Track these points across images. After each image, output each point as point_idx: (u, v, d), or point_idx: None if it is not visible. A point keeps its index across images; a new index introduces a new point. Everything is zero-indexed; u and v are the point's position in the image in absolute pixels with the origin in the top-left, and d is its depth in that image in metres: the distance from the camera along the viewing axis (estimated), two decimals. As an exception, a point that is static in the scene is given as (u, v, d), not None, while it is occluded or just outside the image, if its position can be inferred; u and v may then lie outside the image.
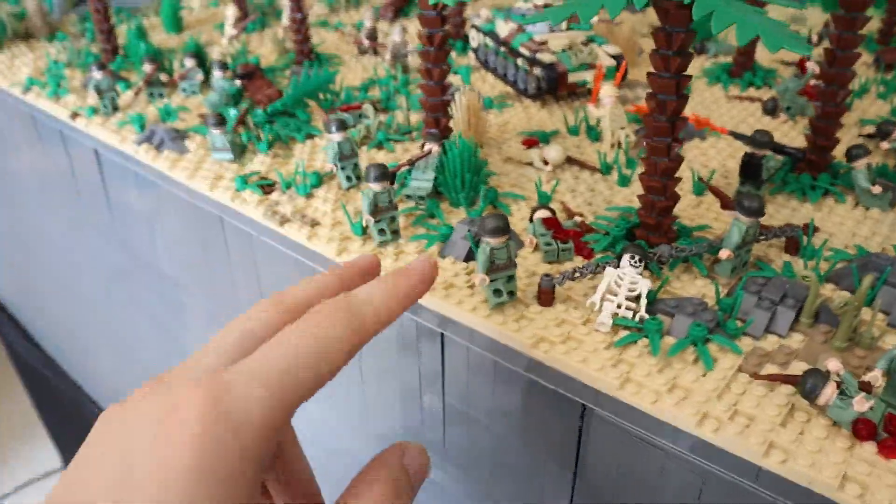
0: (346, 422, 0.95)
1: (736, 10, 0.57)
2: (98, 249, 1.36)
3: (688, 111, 1.04)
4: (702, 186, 0.83)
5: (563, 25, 1.10)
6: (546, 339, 0.60)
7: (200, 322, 1.18)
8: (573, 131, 0.99)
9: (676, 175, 0.69)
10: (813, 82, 1.03)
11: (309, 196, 0.84)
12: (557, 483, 0.68)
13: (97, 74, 1.08)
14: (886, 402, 0.52)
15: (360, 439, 0.94)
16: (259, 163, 0.92)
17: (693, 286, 0.67)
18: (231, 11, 1.41)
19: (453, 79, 1.17)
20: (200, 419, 0.28)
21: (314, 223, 0.78)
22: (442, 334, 0.69)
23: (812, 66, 1.09)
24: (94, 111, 1.09)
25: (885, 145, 0.91)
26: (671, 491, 0.57)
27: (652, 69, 0.65)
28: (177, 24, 1.46)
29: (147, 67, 1.14)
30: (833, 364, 0.52)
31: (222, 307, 1.07)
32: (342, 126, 0.82)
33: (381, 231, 0.73)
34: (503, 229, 0.60)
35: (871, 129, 0.98)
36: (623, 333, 0.60)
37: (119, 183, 1.13)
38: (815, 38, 1.27)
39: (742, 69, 1.17)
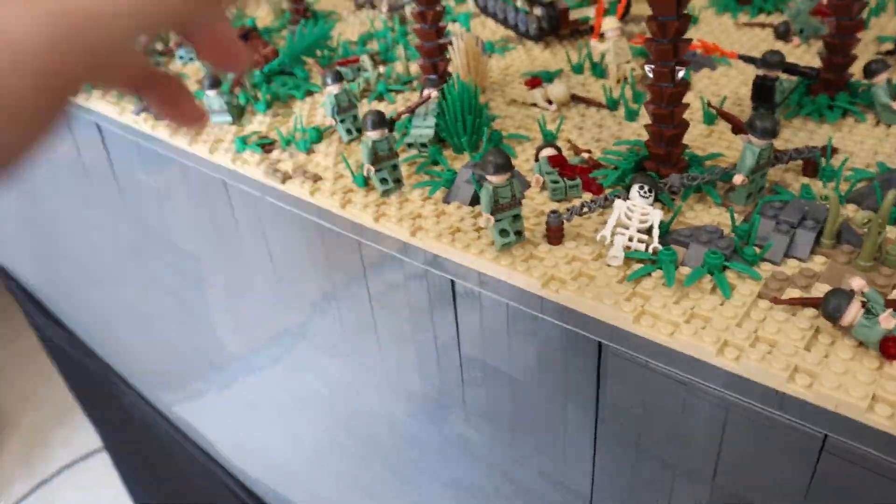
0: (367, 380, 0.94)
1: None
2: (112, 227, 1.35)
3: (696, 41, 1.00)
4: (712, 116, 0.80)
5: (562, -39, 1.06)
6: (556, 277, 0.58)
7: (218, 294, 1.18)
8: (577, 69, 0.95)
9: (684, 101, 0.66)
10: (825, 0, 0.99)
11: (310, 152, 0.82)
12: (580, 425, 0.67)
13: (91, 47, 1.06)
14: (915, 319, 0.49)
15: (383, 395, 0.93)
16: (258, 123, 0.90)
17: (707, 215, 0.65)
18: (224, -25, 1.38)
19: (453, 27, 1.14)
20: None
21: (316, 178, 0.76)
22: (452, 281, 0.68)
23: (825, -15, 1.04)
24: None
25: (905, 60, 0.87)
26: (695, 425, 0.56)
27: (652, -10, 0.62)
28: (170, -7, 1.44)
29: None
30: (857, 283, 0.50)
31: (236, 277, 1.06)
32: (338, 77, 0.80)
33: (384, 180, 0.71)
34: (505, 166, 0.58)
35: (890, 46, 0.94)
36: (636, 266, 0.58)
37: (123, 157, 1.12)
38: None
39: (751, -6, 1.12)
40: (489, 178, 0.58)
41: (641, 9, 1.14)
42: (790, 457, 0.51)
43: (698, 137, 0.78)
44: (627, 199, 0.60)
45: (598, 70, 0.94)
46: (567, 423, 0.69)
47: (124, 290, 1.56)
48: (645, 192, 0.60)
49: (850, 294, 0.50)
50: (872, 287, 0.52)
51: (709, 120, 0.80)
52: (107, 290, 1.68)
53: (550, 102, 0.85)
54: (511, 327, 0.66)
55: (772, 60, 0.75)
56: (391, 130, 0.72)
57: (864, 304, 0.49)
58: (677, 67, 0.63)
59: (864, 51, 0.95)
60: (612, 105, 0.85)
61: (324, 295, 0.89)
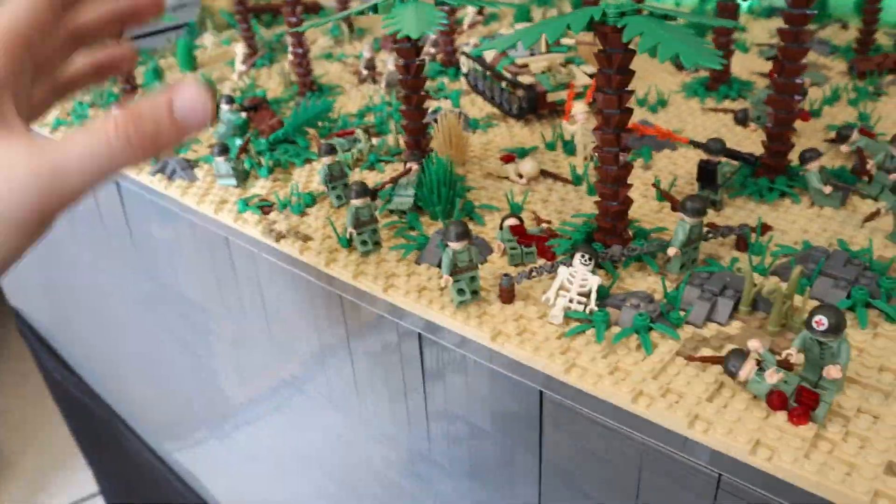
0: (353, 429, 1.01)
1: (661, 30, 0.63)
2: (125, 277, 1.45)
3: (664, 124, 1.11)
4: (665, 193, 0.89)
5: (543, 48, 1.17)
6: (503, 332, 0.67)
7: (221, 345, 1.26)
8: (550, 146, 1.05)
9: (628, 182, 0.76)
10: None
11: (303, 214, 0.92)
12: (527, 466, 0.74)
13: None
14: (804, 378, 0.57)
15: (368, 444, 1.01)
16: (260, 187, 1.00)
17: (645, 282, 0.73)
18: (241, 49, 1.51)
19: (444, 103, 1.25)
20: None
21: (306, 238, 0.86)
22: (419, 334, 0.76)
23: (780, 77, 1.14)
24: (114, 146, 1.18)
25: (844, 148, 0.97)
26: (617, 463, 0.63)
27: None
28: (191, 63, 1.57)
29: (161, 104, 1.23)
30: (753, 343, 0.58)
31: (236, 329, 1.15)
32: (330, 150, 0.90)
33: (364, 242, 0.81)
34: (463, 234, 0.67)
35: (833, 135, 1.03)
36: (574, 325, 0.67)
37: (139, 212, 1.22)
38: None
39: (718, 83, 1.23)
40: (450, 243, 0.67)
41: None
42: (695, 495, 0.58)
43: (649, 213, 0.87)
44: (571, 265, 0.69)
45: (569, 148, 1.04)
46: (515, 468, 0.76)
47: (134, 338, 1.65)
48: (585, 261, 0.68)
49: (745, 353, 0.58)
50: (772, 348, 0.60)
51: (661, 198, 0.89)
52: (116, 337, 1.77)
53: (521, 176, 0.95)
54: (468, 376, 0.74)
55: (714, 147, 0.84)
56: (374, 199, 0.81)
57: (758, 363, 0.57)
58: (620, 154, 0.73)
59: (813, 137, 1.05)
60: (578, 181, 0.94)
61: (313, 347, 0.97)
